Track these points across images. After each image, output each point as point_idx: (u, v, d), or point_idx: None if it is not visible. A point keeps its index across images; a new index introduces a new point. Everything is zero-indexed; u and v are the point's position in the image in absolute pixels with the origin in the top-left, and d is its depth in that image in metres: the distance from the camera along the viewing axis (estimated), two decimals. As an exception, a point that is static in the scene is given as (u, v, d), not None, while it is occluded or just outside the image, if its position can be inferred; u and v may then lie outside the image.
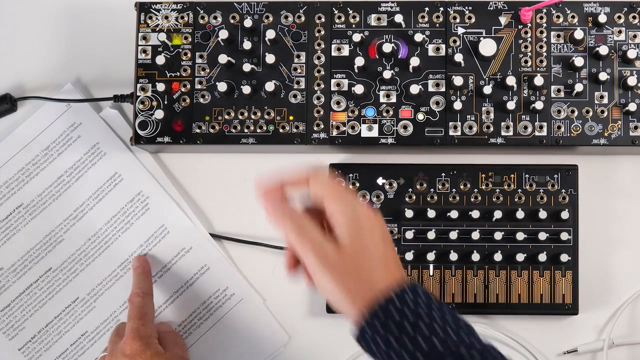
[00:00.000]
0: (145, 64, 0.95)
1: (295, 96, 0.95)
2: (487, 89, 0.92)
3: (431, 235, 0.94)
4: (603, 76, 0.92)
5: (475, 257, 0.94)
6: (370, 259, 0.73)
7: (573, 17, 0.94)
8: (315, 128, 0.94)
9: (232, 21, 0.95)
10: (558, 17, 0.94)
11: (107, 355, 0.89)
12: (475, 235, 0.94)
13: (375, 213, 0.75)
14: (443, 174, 0.96)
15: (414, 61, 0.92)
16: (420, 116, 0.94)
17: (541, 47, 0.94)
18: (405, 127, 0.94)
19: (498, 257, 0.93)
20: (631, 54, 0.92)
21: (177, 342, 0.93)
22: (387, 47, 0.93)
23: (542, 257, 0.93)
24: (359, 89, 0.93)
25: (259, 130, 0.94)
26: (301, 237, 0.73)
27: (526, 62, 0.94)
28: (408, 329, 0.70)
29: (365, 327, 0.70)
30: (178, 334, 0.96)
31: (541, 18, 0.94)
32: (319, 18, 0.95)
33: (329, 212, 0.74)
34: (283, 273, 0.98)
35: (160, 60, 0.94)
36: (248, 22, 0.94)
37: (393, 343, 0.69)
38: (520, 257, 0.93)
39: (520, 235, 0.93)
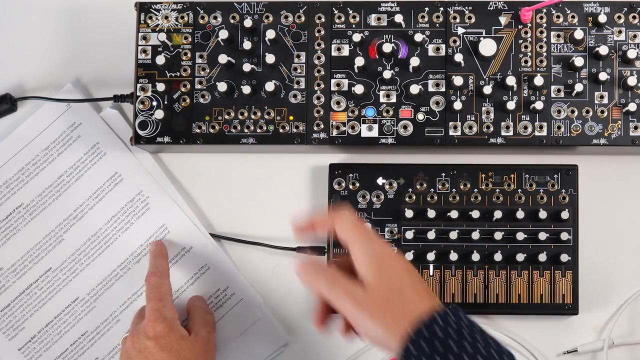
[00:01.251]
0: (145, 64, 0.95)
1: (295, 96, 0.95)
2: (487, 89, 0.92)
3: (431, 235, 0.94)
4: (603, 76, 0.92)
5: (475, 257, 0.94)
6: (399, 290, 0.75)
7: (573, 17, 0.94)
8: (315, 128, 0.94)
9: (232, 21, 0.96)
10: (558, 17, 0.94)
11: (129, 335, 0.89)
12: (475, 235, 0.94)
13: (397, 253, 0.78)
14: (443, 174, 0.96)
15: (414, 61, 0.92)
16: (420, 116, 0.94)
17: (541, 47, 0.94)
18: (405, 127, 0.94)
19: (498, 257, 0.93)
20: (631, 54, 0.92)
21: (206, 321, 0.93)
22: (387, 47, 0.93)
23: (542, 257, 0.93)
24: (359, 89, 0.93)
25: (259, 130, 0.94)
26: (335, 289, 0.76)
27: (526, 62, 0.94)
28: (453, 347, 0.70)
29: (410, 347, 0.71)
30: (209, 310, 0.96)
31: (541, 18, 0.94)
32: (319, 18, 0.95)
33: (353, 256, 0.77)
34: (283, 273, 0.99)
35: (160, 60, 0.94)
36: (248, 22, 0.94)
37: None
38: (520, 257, 0.93)
39: (520, 235, 0.93)
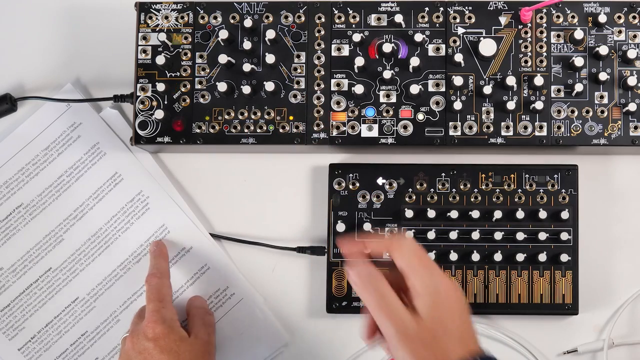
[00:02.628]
0: (145, 64, 0.95)
1: (295, 96, 0.94)
2: (487, 89, 0.92)
3: (431, 235, 0.94)
4: (603, 76, 0.92)
5: (475, 257, 0.94)
6: (447, 332, 0.74)
7: (573, 17, 0.94)
8: (315, 128, 0.94)
9: (232, 21, 0.96)
10: (558, 17, 0.94)
11: (129, 336, 0.89)
12: (475, 235, 0.94)
13: (455, 286, 0.77)
14: (443, 174, 0.96)
15: (414, 61, 0.92)
16: (420, 116, 0.94)
17: (541, 47, 0.94)
18: (405, 127, 0.94)
19: (498, 257, 0.93)
20: (631, 54, 0.92)
21: (205, 322, 0.93)
22: (387, 47, 0.93)
23: (542, 257, 0.93)
24: (359, 89, 0.93)
25: (259, 130, 0.94)
26: (381, 307, 0.75)
27: (526, 62, 0.94)
28: None
29: None
30: (209, 311, 0.96)
31: (541, 18, 0.94)
32: (319, 18, 0.95)
33: (410, 283, 0.76)
34: (283, 273, 0.99)
35: (160, 60, 0.94)
36: (248, 22, 0.94)
37: None
38: (520, 257, 0.93)
39: (520, 235, 0.93)
